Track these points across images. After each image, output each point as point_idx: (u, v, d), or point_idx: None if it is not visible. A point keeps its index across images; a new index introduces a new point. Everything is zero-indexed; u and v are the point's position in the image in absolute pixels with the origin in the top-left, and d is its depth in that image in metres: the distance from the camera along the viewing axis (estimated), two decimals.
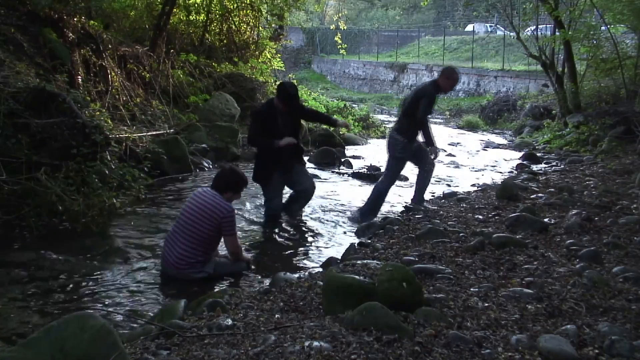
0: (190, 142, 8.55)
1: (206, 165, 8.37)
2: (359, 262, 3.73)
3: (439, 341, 2.53)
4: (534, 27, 14.13)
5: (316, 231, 5.58)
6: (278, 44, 15.59)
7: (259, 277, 4.29)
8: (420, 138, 6.05)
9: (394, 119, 18.37)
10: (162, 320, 3.07)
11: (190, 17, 12.98)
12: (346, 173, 8.57)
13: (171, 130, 8.60)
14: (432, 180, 6.41)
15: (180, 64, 10.92)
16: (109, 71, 8.70)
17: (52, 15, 8.12)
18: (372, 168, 8.53)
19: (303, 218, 5.93)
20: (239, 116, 10.52)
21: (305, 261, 4.74)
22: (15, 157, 5.21)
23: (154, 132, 8.26)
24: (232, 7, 13.46)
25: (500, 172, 9.01)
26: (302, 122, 6.33)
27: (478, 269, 3.70)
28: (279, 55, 15.18)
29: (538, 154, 10.40)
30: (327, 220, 5.91)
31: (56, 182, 5.21)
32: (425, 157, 6.08)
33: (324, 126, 10.37)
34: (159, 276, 4.24)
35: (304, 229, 5.66)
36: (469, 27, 35.89)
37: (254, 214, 6.06)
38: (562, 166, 8.97)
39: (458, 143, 12.65)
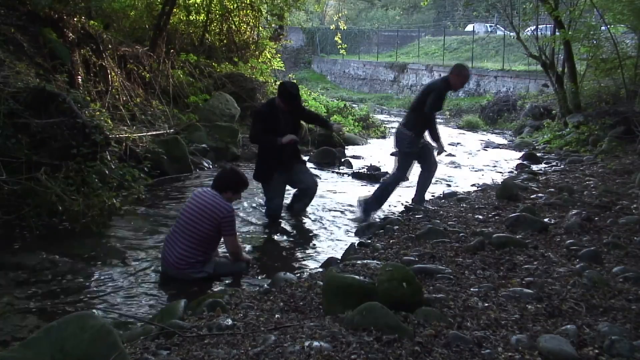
0: (190, 142, 8.55)
1: (206, 165, 8.37)
2: (359, 262, 3.73)
3: (439, 341, 2.53)
4: (534, 27, 14.13)
5: (316, 231, 5.58)
6: (278, 44, 15.59)
7: (259, 277, 4.29)
8: (427, 136, 6.05)
9: (394, 118, 18.44)
10: (162, 320, 3.07)
11: (190, 17, 12.98)
12: (346, 173, 8.57)
13: (171, 130, 8.60)
14: (433, 180, 6.41)
15: (180, 64, 10.92)
16: (109, 71, 8.70)
17: (52, 15, 8.12)
18: (372, 168, 8.53)
19: (303, 218, 5.93)
20: (239, 116, 10.52)
21: (305, 261, 4.74)
22: (15, 157, 5.20)
23: (154, 132, 8.26)
24: (232, 7, 13.46)
25: (500, 172, 9.01)
26: (302, 122, 6.35)
27: (478, 269, 3.70)
28: (279, 55, 15.18)
29: (538, 154, 10.40)
30: (327, 220, 5.91)
31: (56, 182, 5.21)
32: (429, 156, 6.08)
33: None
34: (159, 276, 4.25)
35: (304, 229, 5.66)
36: (469, 27, 35.90)
37: (254, 214, 6.06)
38: (562, 166, 8.97)
39: (458, 143, 12.64)
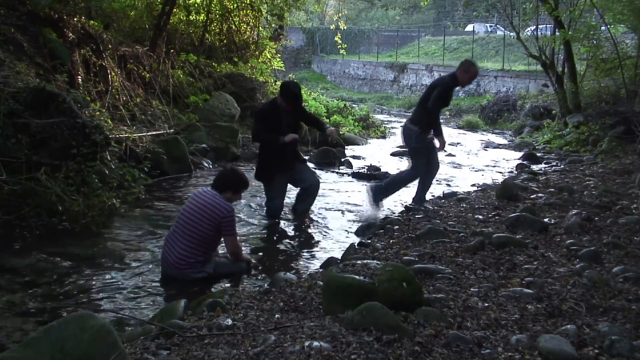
0: (190, 142, 8.54)
1: (206, 165, 8.37)
2: (359, 262, 3.72)
3: (439, 341, 2.53)
4: (534, 27, 14.13)
5: (316, 231, 5.58)
6: (278, 44, 15.59)
7: (259, 277, 4.29)
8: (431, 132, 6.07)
9: (394, 118, 18.43)
10: (162, 320, 3.07)
11: (190, 17, 12.98)
12: (346, 173, 8.57)
13: (171, 130, 8.60)
14: (432, 180, 6.42)
15: (180, 64, 10.92)
16: (109, 71, 8.69)
17: (52, 15, 8.12)
18: (372, 168, 8.53)
19: (305, 219, 5.92)
20: (239, 116, 10.52)
21: (305, 261, 4.74)
22: (15, 157, 5.20)
23: (154, 132, 8.26)
24: (232, 7, 13.46)
25: (500, 172, 9.01)
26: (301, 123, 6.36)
27: (478, 269, 3.70)
28: (279, 55, 15.18)
29: (538, 154, 10.40)
30: (327, 220, 5.91)
31: (56, 182, 5.21)
32: (433, 156, 6.08)
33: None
34: (158, 276, 4.24)
35: (303, 229, 5.65)
36: (469, 27, 35.91)
37: (254, 214, 6.06)
38: (562, 166, 8.98)
39: (458, 143, 12.65)
